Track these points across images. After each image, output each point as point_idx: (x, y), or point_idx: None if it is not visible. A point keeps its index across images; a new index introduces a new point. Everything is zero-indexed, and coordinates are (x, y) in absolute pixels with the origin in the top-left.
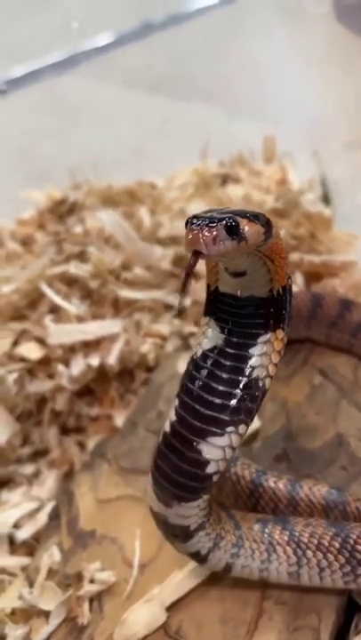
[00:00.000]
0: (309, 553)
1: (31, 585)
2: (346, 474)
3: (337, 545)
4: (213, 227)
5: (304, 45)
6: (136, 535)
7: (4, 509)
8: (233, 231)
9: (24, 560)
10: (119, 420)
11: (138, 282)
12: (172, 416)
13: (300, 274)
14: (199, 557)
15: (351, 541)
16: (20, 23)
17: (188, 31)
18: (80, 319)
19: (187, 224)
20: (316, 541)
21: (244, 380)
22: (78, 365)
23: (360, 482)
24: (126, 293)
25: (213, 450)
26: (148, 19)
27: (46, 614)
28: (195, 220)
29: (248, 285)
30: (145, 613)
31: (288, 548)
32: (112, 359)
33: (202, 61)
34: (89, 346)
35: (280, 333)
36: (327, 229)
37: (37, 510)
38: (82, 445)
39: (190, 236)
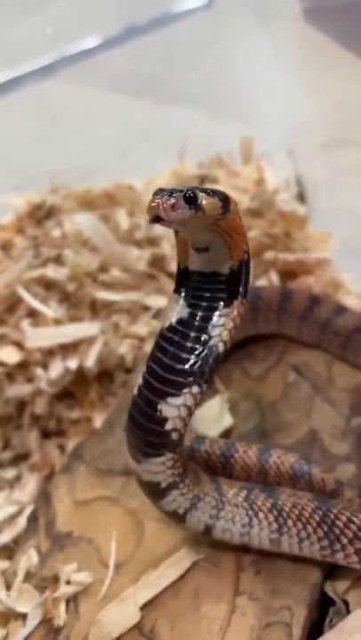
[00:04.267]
0: (290, 522)
1: (9, 588)
2: None
3: (317, 518)
4: (173, 196)
5: (281, 47)
6: (112, 536)
7: None
8: (191, 201)
9: (4, 563)
10: (99, 422)
11: (115, 284)
12: (140, 380)
13: (276, 272)
14: (178, 517)
15: (331, 516)
16: (2, 29)
17: (170, 35)
18: (58, 322)
19: (153, 195)
20: (297, 511)
21: (202, 348)
22: (57, 369)
23: None
24: (104, 295)
25: (170, 408)
26: (131, 23)
27: (23, 617)
28: (159, 192)
29: (211, 261)
30: (119, 613)
31: (270, 515)
32: (90, 362)
33: (184, 65)
34: (67, 349)
35: (237, 305)
36: (302, 228)
37: (18, 514)
38: (63, 448)
39: (153, 204)
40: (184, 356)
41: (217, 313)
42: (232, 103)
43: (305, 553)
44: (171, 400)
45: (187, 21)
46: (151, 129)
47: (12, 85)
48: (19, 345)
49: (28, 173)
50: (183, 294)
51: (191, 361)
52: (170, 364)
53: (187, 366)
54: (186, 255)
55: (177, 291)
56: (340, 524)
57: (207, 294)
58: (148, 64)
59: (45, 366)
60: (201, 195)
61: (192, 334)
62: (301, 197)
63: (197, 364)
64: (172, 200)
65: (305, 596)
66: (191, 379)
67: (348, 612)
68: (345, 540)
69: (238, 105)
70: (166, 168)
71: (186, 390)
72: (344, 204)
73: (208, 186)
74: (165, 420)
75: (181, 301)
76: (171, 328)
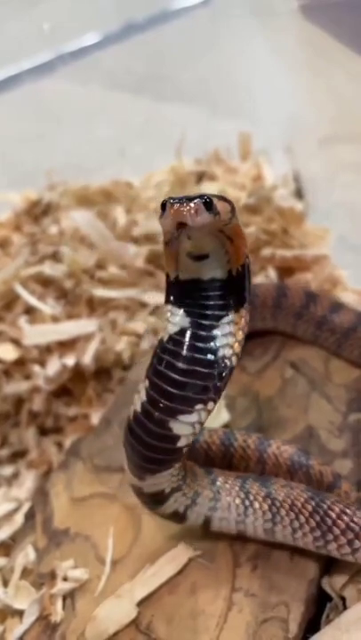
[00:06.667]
0: (283, 511)
1: (6, 585)
2: None
3: (310, 508)
4: (194, 201)
5: (278, 44)
6: (109, 532)
7: None
8: (209, 206)
9: (1, 560)
10: (96, 419)
11: (112, 280)
12: (143, 396)
13: (273, 269)
14: (178, 517)
15: (325, 506)
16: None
17: (168, 32)
18: (55, 319)
19: (165, 204)
20: (290, 501)
21: (211, 359)
22: (54, 366)
23: None
24: (101, 292)
25: (183, 426)
26: (129, 20)
27: (20, 614)
28: (173, 200)
29: (209, 268)
30: (116, 609)
31: (264, 503)
32: (87, 358)
33: (182, 62)
34: (64, 346)
35: (242, 311)
36: (299, 224)
37: (15, 511)
38: (60, 445)
39: (174, 210)
40: (193, 368)
41: (221, 321)
42: (230, 100)
43: (299, 543)
44: (183, 417)
45: (184, 18)
46: (149, 126)
47: (10, 83)
48: (16, 342)
49: (26, 170)
50: (179, 304)
51: (203, 375)
52: (179, 379)
53: (199, 381)
54: (176, 265)
55: (170, 302)
56: (333, 515)
57: (207, 302)
58: (145, 61)
59: (43, 363)
60: (215, 199)
61: (196, 344)
62: (299, 194)
63: (211, 378)
64: (195, 206)
65: (302, 591)
66: (205, 395)
67: (345, 607)
68: (338, 531)
69: (236, 101)
70: (164, 165)
71: (200, 407)
72: (342, 200)
73: (206, 183)
74: (178, 437)
75: (179, 312)
76: (173, 340)
